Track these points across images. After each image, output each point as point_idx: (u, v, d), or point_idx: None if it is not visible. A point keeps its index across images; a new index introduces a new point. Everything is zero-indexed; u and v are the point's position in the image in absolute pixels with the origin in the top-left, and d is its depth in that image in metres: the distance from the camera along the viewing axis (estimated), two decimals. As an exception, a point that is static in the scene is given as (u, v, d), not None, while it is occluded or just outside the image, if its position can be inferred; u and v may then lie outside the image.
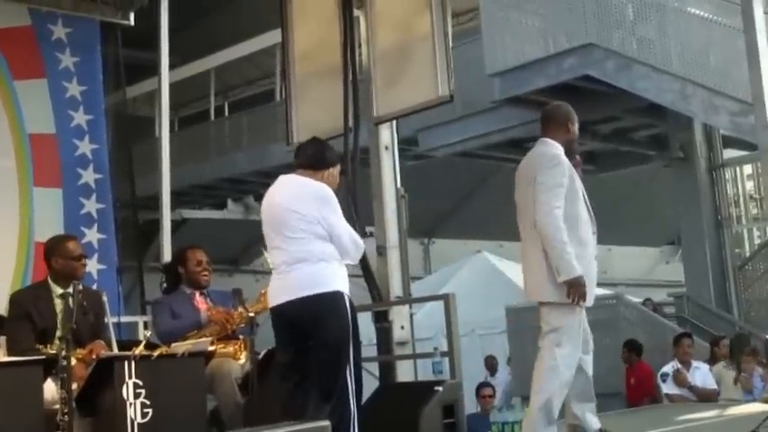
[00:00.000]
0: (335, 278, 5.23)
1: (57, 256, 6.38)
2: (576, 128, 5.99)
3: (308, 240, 5.18)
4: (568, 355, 5.66)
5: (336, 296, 5.19)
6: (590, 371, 5.92)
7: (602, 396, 12.41)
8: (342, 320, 5.19)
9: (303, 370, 5.28)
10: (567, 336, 5.66)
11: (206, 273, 6.76)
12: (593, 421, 5.90)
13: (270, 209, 5.40)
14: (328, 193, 5.30)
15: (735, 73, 12.71)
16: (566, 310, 5.65)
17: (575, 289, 5.56)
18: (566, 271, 5.57)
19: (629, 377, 12.45)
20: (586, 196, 5.91)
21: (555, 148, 5.84)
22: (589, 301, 5.68)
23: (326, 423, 4.24)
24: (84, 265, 6.46)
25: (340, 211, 5.31)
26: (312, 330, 5.16)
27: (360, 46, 8.50)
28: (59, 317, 6.10)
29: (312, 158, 5.51)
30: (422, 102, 8.00)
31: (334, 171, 5.55)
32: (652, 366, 11.71)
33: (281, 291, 5.26)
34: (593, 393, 5.98)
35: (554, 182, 5.66)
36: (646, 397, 11.96)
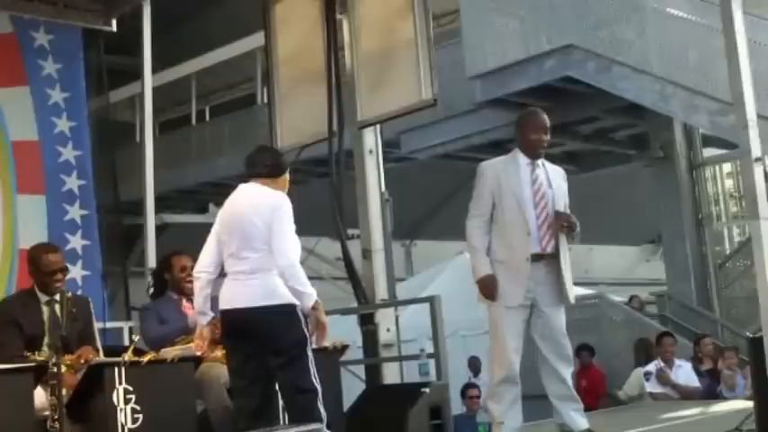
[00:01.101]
0: (286, 291, 5.25)
1: (33, 267, 6.39)
2: (534, 136, 6.23)
3: (267, 251, 5.22)
4: (497, 350, 6.10)
5: (293, 308, 5.22)
6: (566, 375, 6.10)
7: (586, 395, 12.48)
8: (300, 328, 5.23)
9: (250, 375, 5.31)
10: (493, 333, 6.12)
11: (191, 279, 6.77)
12: (581, 422, 6.01)
13: (232, 218, 5.40)
14: (285, 202, 5.34)
15: (713, 72, 12.80)
16: (490, 309, 6.11)
17: (480, 289, 6.09)
18: (475, 272, 6.14)
19: (581, 379, 12.47)
20: (539, 198, 6.13)
21: (507, 156, 6.36)
22: (514, 300, 5.99)
23: (319, 425, 4.27)
24: (61, 280, 6.34)
25: (289, 225, 5.30)
26: (269, 339, 5.20)
27: (343, 50, 8.51)
28: (46, 324, 6.12)
29: (272, 168, 5.55)
30: (405, 105, 8.01)
31: (287, 177, 5.61)
32: (634, 366, 11.77)
33: (238, 296, 5.27)
34: (575, 395, 6.15)
35: (475, 192, 6.23)
36: (598, 399, 12.08)
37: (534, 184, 6.14)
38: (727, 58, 6.51)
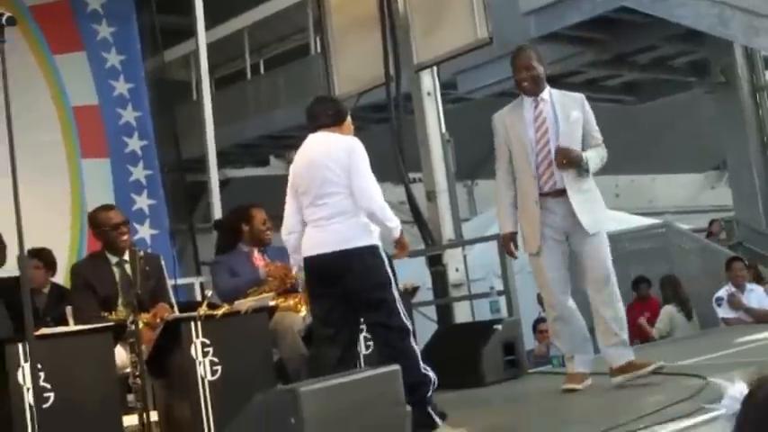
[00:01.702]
0: (373, 232, 5.28)
1: (96, 228, 6.48)
2: (516, 76, 6.08)
3: (345, 195, 5.23)
4: (543, 293, 6.23)
5: (375, 249, 5.25)
6: (599, 305, 5.97)
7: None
8: (384, 268, 5.25)
9: (336, 323, 5.33)
10: (535, 278, 6.20)
11: (270, 231, 6.87)
12: (615, 356, 5.94)
13: (306, 167, 5.39)
14: (358, 146, 5.33)
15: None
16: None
17: (503, 243, 6.24)
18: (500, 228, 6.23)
19: (641, 311, 12.39)
20: (540, 136, 5.99)
21: (515, 101, 6.22)
22: (533, 247, 6.00)
23: (396, 367, 4.30)
24: (126, 233, 6.43)
25: (366, 165, 5.30)
26: (355, 281, 5.20)
27: (395, -6, 8.48)
28: (119, 284, 6.21)
29: (335, 116, 5.54)
30: (461, 45, 8.00)
31: (349, 121, 5.62)
32: (707, 292, 11.68)
33: (319, 243, 5.27)
34: (611, 328, 5.94)
35: (495, 145, 6.19)
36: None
37: (536, 121, 6.01)
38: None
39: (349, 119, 5.60)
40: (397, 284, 5.36)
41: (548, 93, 6.06)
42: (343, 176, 5.24)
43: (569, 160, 5.85)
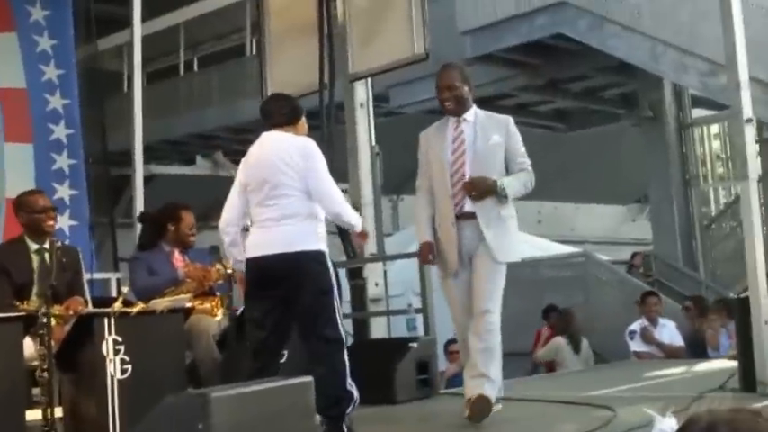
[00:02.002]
0: (320, 238, 5.27)
1: (21, 211, 6.37)
2: (438, 96, 5.96)
3: (297, 198, 5.20)
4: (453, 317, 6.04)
5: (322, 255, 5.23)
6: (470, 335, 5.75)
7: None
8: (328, 275, 5.23)
9: (270, 328, 5.27)
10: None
11: (194, 235, 6.83)
12: (471, 389, 5.74)
13: (257, 166, 5.35)
14: (314, 147, 5.32)
15: (704, 33, 12.77)
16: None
17: (421, 252, 6.06)
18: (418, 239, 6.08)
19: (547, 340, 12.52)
20: (457, 158, 5.86)
21: (443, 119, 6.09)
22: (451, 269, 5.83)
23: (309, 379, 4.26)
24: (52, 218, 6.36)
25: (325, 167, 5.32)
26: (296, 285, 5.15)
27: (335, 1, 8.45)
28: (36, 273, 6.10)
29: (290, 115, 5.50)
30: (397, 59, 7.99)
31: (304, 120, 5.58)
32: (621, 325, 11.82)
33: (265, 244, 5.23)
34: (472, 361, 5.77)
35: (419, 163, 6.09)
36: None
37: (454, 142, 5.85)
38: (722, 18, 6.50)
39: (303, 118, 5.57)
40: (339, 294, 5.33)
41: (472, 114, 5.92)
42: (297, 179, 5.20)
43: (479, 192, 5.70)
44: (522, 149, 5.93)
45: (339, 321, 5.21)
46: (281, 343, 5.38)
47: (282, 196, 5.21)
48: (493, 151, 5.81)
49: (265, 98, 5.72)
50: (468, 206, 5.76)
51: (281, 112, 5.50)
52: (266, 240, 5.23)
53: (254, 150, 5.46)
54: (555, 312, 12.78)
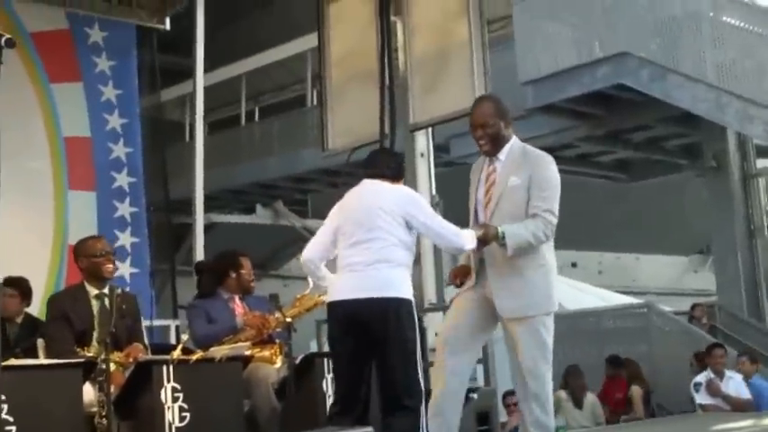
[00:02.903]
0: (409, 286, 5.18)
1: (81, 256, 6.38)
2: (473, 132, 5.49)
3: (391, 243, 5.11)
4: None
5: (410, 303, 5.13)
6: (521, 405, 5.38)
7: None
8: (413, 324, 5.13)
9: (360, 365, 5.18)
10: None
11: (254, 281, 6.85)
12: None
13: (356, 207, 5.30)
14: (417, 194, 5.37)
15: (768, 82, 12.68)
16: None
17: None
18: None
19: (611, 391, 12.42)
20: (488, 199, 5.40)
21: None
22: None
23: (370, 429, 4.21)
24: (111, 262, 6.34)
25: (430, 209, 5.29)
26: (383, 330, 5.04)
27: (396, 51, 8.48)
28: (96, 318, 6.12)
29: (395, 171, 5.48)
30: (459, 109, 7.94)
31: (403, 185, 5.51)
32: (685, 376, 11.63)
33: (353, 287, 5.12)
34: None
35: None
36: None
37: (486, 182, 5.37)
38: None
39: (403, 181, 5.52)
40: (423, 345, 5.24)
41: (506, 151, 5.38)
42: (394, 225, 5.13)
43: (484, 240, 5.16)
44: (545, 200, 5.25)
45: (420, 372, 5.09)
46: (362, 389, 5.21)
47: (377, 239, 5.11)
48: (511, 196, 5.26)
49: (372, 151, 5.68)
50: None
51: (388, 165, 5.47)
52: (356, 284, 5.13)
53: (352, 193, 5.41)
54: (614, 363, 12.66)
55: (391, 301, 5.06)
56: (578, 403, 11.66)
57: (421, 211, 5.20)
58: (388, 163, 5.50)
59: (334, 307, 5.22)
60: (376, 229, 5.13)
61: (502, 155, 5.38)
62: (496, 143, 5.36)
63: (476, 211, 5.39)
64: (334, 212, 5.44)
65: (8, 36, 3.84)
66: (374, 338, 5.08)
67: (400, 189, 5.33)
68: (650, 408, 12.39)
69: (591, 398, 11.83)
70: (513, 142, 5.44)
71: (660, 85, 13.84)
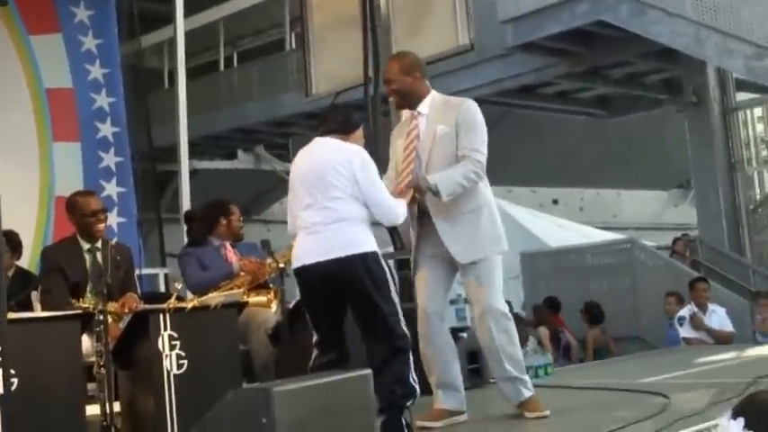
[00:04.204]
0: (371, 239, 5.16)
1: (73, 213, 6.42)
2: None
3: (347, 201, 5.08)
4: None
5: (376, 254, 5.11)
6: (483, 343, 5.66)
7: (620, 340, 12.65)
8: (383, 272, 5.11)
9: (338, 315, 5.19)
10: None
11: (243, 227, 6.92)
12: None
13: (306, 167, 5.23)
14: (366, 156, 5.20)
15: (748, 16, 12.69)
16: None
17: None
18: None
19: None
20: (408, 153, 5.56)
21: None
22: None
23: (368, 372, 4.28)
24: (103, 221, 6.38)
25: (377, 176, 5.20)
26: (358, 287, 5.04)
27: (378, -6, 8.44)
28: (89, 271, 6.16)
29: (342, 123, 5.38)
30: (442, 50, 7.95)
31: (360, 133, 5.44)
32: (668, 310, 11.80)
33: (316, 250, 5.09)
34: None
35: None
36: None
37: (407, 138, 5.56)
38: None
39: (359, 131, 5.40)
40: (397, 291, 5.25)
41: (427, 104, 5.55)
42: (347, 182, 5.07)
43: (417, 193, 5.33)
44: (471, 141, 5.42)
45: (401, 317, 5.11)
46: (341, 344, 5.22)
47: (332, 198, 5.08)
48: (441, 143, 5.43)
49: (327, 105, 5.65)
50: (421, 203, 5.46)
51: (335, 120, 5.42)
52: (318, 246, 5.10)
53: (303, 153, 5.36)
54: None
55: (357, 257, 5.03)
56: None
57: (366, 174, 5.12)
58: (335, 117, 5.42)
59: (299, 273, 5.17)
60: (331, 188, 5.08)
61: (423, 108, 5.53)
62: (404, 98, 5.57)
63: (398, 169, 5.51)
64: (291, 175, 5.38)
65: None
66: (350, 294, 5.09)
67: (349, 148, 5.22)
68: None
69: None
70: (433, 95, 5.60)
71: (639, 21, 13.88)
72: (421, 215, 5.52)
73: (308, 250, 5.13)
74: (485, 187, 5.53)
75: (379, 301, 5.04)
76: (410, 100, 5.56)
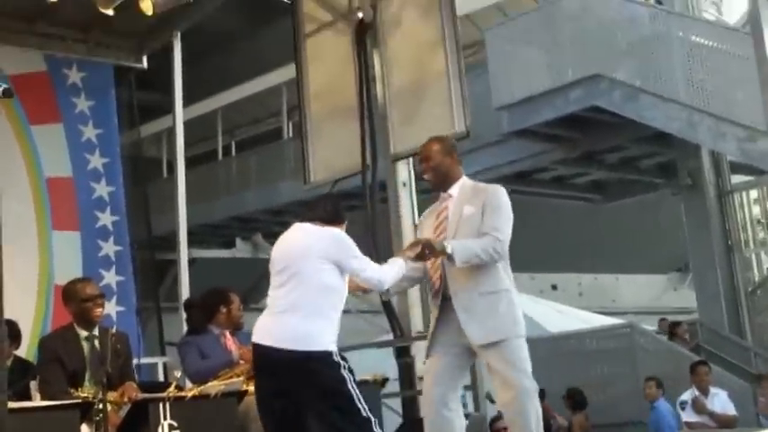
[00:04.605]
0: (325, 336, 5.03)
1: (70, 300, 6.44)
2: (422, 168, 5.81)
3: (309, 290, 5.04)
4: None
5: (326, 355, 4.97)
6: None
7: (622, 425, 12.54)
8: (337, 372, 4.99)
9: (281, 412, 5.08)
10: None
11: (243, 315, 6.91)
12: None
13: (280, 251, 5.29)
14: (344, 235, 5.23)
15: (740, 99, 12.81)
16: None
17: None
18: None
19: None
20: (438, 234, 5.58)
21: None
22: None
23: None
24: (100, 306, 6.40)
25: (357, 251, 5.19)
26: (300, 385, 4.96)
27: (375, 83, 8.55)
28: (88, 359, 6.15)
29: (331, 213, 5.39)
30: (439, 138, 8.02)
31: (344, 227, 5.43)
32: (670, 394, 11.71)
33: (268, 332, 5.06)
34: None
35: None
36: None
37: (437, 219, 5.64)
38: (760, 84, 6.54)
39: (343, 226, 5.40)
40: (354, 380, 5.05)
41: (458, 187, 5.64)
42: (319, 269, 5.06)
43: (432, 252, 5.30)
44: (495, 221, 5.44)
45: (360, 405, 4.94)
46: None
47: (296, 286, 5.05)
48: (468, 224, 5.46)
49: (319, 195, 5.67)
50: (438, 285, 5.52)
51: (324, 208, 5.42)
52: (269, 329, 5.06)
53: (281, 238, 5.38)
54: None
55: (302, 354, 4.93)
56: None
57: (346, 254, 5.13)
58: (326, 206, 5.44)
59: (257, 349, 5.12)
60: (297, 273, 5.07)
61: (453, 191, 5.63)
62: (441, 178, 5.65)
63: None
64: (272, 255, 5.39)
65: (6, 86, 3.88)
66: (299, 392, 4.97)
67: (327, 231, 5.23)
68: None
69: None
70: (464, 180, 5.70)
71: (633, 106, 14.02)
72: (442, 301, 5.52)
73: (262, 329, 5.11)
74: (505, 272, 5.50)
75: (331, 403, 4.93)
76: (445, 180, 5.65)
